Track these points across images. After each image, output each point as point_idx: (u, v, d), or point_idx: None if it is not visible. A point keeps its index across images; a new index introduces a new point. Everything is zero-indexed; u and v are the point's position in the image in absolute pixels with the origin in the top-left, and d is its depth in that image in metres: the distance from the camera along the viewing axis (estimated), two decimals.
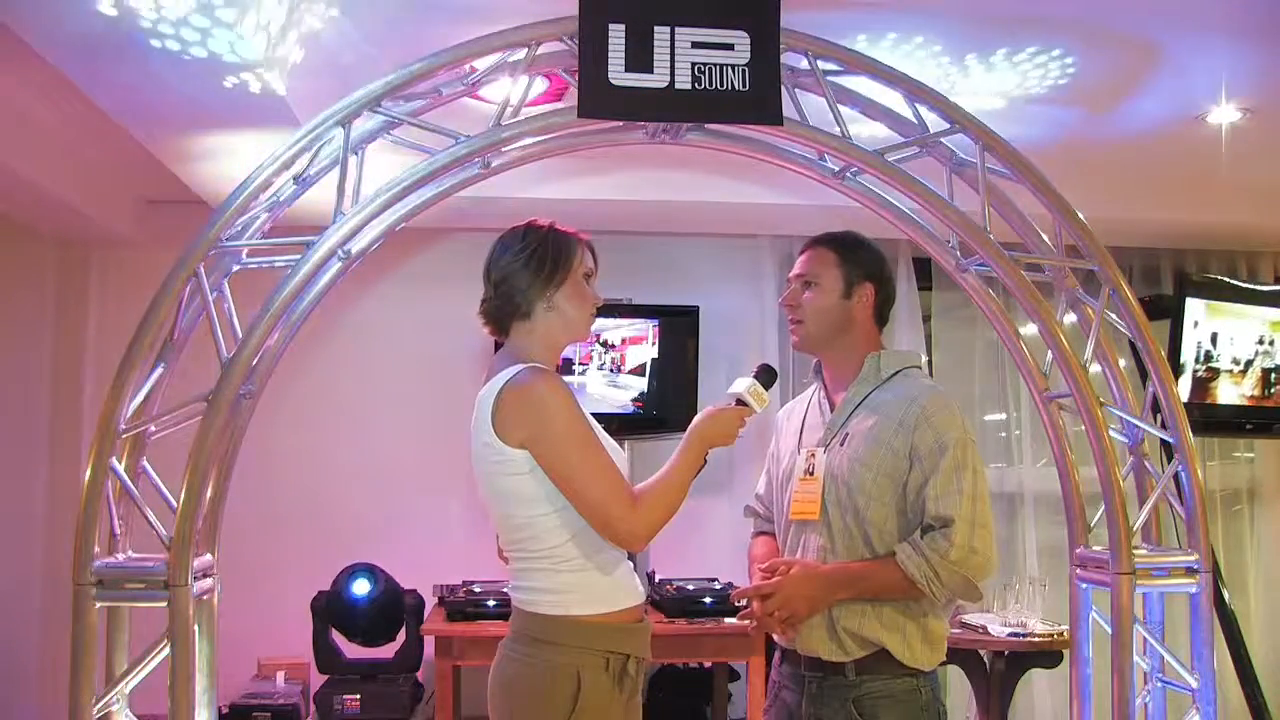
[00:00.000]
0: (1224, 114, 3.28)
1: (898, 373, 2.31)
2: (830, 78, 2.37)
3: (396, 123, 2.30)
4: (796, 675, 2.27)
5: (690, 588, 3.95)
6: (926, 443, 2.18)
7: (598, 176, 3.92)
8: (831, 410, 2.35)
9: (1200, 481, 2.38)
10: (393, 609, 3.94)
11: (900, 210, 2.50)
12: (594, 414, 2.08)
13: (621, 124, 2.33)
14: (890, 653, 2.18)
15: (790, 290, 2.37)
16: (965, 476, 2.15)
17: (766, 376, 2.22)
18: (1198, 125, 3.38)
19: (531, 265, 2.07)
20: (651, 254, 4.61)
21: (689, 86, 2.24)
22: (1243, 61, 2.94)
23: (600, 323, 2.20)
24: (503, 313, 2.10)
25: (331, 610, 3.92)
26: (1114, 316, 2.44)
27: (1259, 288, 4.68)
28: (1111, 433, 2.37)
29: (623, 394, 4.39)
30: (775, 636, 2.36)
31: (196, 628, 2.13)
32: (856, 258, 2.33)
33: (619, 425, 3.74)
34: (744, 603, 2.26)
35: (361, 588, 3.90)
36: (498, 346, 2.16)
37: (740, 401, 2.17)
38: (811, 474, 2.29)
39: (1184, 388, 4.29)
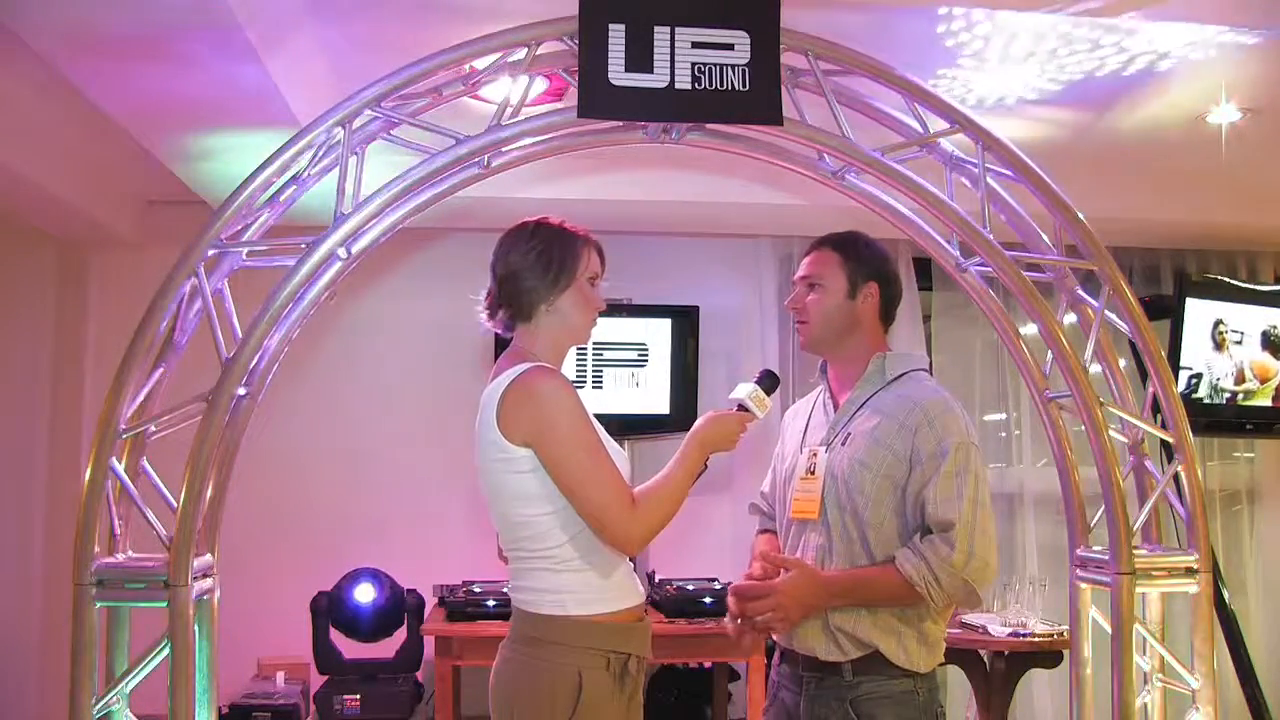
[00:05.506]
0: (1224, 114, 3.28)
1: (903, 375, 2.30)
2: (830, 78, 2.37)
3: (396, 123, 2.30)
4: (795, 675, 2.27)
5: (690, 588, 3.94)
6: (928, 446, 2.17)
7: (598, 176, 3.91)
8: (836, 410, 2.35)
9: (1200, 481, 2.38)
10: (393, 609, 3.94)
11: (900, 210, 2.50)
12: (595, 414, 2.08)
13: (621, 124, 2.33)
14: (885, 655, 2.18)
15: (795, 292, 2.38)
16: (966, 481, 2.14)
17: (769, 382, 2.21)
18: (1198, 125, 3.37)
19: (537, 267, 2.07)
20: (651, 254, 4.60)
21: (689, 86, 2.24)
22: (1243, 61, 2.94)
23: (599, 323, 2.19)
24: (505, 310, 2.10)
25: (332, 611, 3.92)
26: (1114, 316, 2.44)
27: (1259, 288, 4.68)
28: (1111, 433, 2.37)
29: (622, 394, 4.39)
30: (774, 636, 2.35)
31: (196, 628, 2.13)
32: (860, 258, 2.33)
33: (619, 425, 3.74)
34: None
35: (365, 594, 3.89)
36: (498, 345, 2.17)
37: (742, 407, 2.17)
38: (813, 473, 2.29)
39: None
